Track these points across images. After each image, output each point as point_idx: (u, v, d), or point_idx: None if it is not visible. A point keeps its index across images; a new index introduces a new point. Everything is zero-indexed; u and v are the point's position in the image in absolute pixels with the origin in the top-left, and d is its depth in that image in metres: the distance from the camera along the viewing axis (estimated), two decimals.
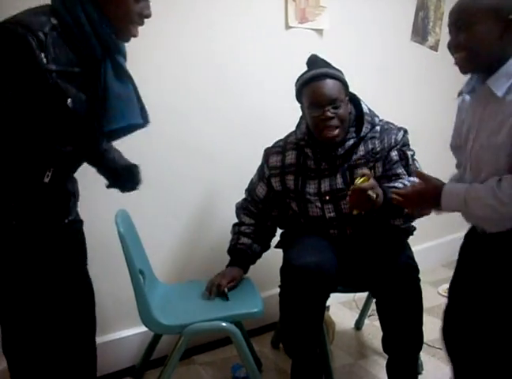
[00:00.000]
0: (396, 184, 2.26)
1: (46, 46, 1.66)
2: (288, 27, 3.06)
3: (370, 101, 2.55)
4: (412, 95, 3.64)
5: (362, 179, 2.07)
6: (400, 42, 3.60)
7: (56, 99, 1.71)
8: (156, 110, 2.11)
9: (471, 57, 1.72)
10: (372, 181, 2.07)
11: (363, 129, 2.41)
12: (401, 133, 2.43)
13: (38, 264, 1.80)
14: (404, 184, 2.24)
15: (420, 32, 3.68)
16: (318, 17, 3.15)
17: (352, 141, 2.40)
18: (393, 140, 2.40)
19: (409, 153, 2.41)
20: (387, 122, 2.48)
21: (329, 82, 2.34)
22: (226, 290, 2.39)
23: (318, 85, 2.35)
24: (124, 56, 1.91)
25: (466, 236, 1.98)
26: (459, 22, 1.71)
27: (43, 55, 1.64)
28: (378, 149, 2.40)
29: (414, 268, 2.29)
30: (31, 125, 1.70)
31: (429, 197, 1.79)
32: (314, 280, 2.22)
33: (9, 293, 1.81)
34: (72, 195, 1.95)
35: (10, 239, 1.76)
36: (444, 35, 3.68)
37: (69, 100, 1.74)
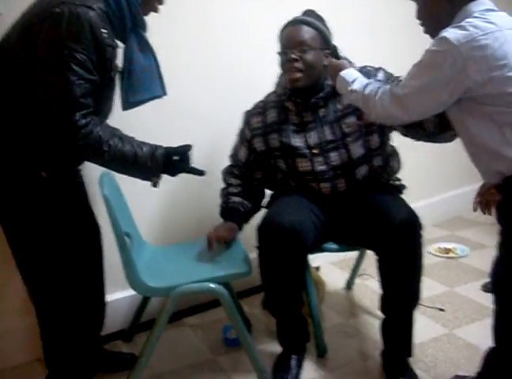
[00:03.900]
0: None
1: (103, 22, 1.83)
2: None
3: (361, 58, 2.49)
4: (404, 49, 3.55)
5: None
6: None
7: (105, 70, 1.88)
8: None
9: (429, 25, 1.93)
10: None
11: None
12: (381, 71, 2.44)
13: (62, 206, 1.97)
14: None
15: None
16: None
17: (331, 86, 2.38)
18: None
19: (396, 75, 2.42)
20: (364, 66, 2.46)
21: (303, 28, 2.36)
22: (219, 240, 2.37)
23: (289, 29, 2.39)
24: (145, 30, 2.09)
25: None
26: None
27: (104, 31, 1.83)
28: None
29: (418, 224, 2.25)
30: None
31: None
32: (288, 239, 2.20)
33: (35, 238, 1.95)
34: None
35: (39, 190, 1.91)
36: None
37: (112, 72, 1.94)
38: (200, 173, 2.13)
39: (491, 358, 2.00)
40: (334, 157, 2.40)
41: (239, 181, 2.59)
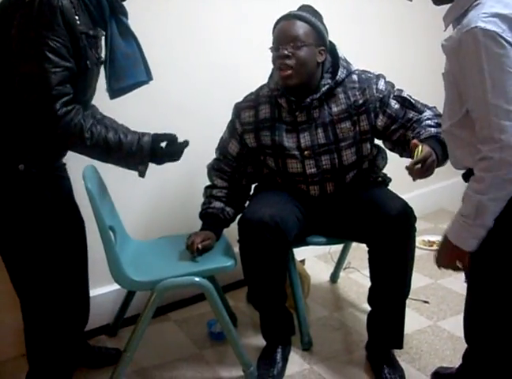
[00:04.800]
0: (422, 127, 2.21)
1: (77, 9, 1.82)
2: None
3: (347, 54, 2.48)
4: (386, 44, 3.57)
5: (419, 151, 1.93)
6: None
7: (80, 59, 1.85)
8: None
9: None
10: (425, 149, 1.92)
11: (339, 73, 2.35)
12: (382, 80, 2.39)
13: (41, 201, 1.93)
14: (429, 122, 2.22)
15: None
16: None
17: (327, 87, 2.34)
18: (374, 91, 2.35)
19: (405, 94, 2.37)
20: (363, 71, 2.42)
21: (297, 23, 2.29)
22: (200, 246, 2.32)
23: (282, 24, 2.32)
24: (126, 16, 2.06)
25: None
26: None
27: (77, 18, 1.81)
28: (361, 102, 2.34)
29: (413, 216, 2.26)
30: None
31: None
32: (269, 232, 2.19)
33: (17, 234, 1.93)
34: None
35: (16, 184, 1.87)
36: None
37: (88, 61, 1.90)
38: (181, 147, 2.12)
39: (466, 360, 2.00)
40: (325, 161, 2.37)
41: (225, 182, 2.52)
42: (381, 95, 2.35)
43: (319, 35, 2.33)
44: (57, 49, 1.75)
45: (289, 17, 2.31)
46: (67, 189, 2.15)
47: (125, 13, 2.05)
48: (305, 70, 2.29)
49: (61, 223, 2.00)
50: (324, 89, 2.34)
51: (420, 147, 1.94)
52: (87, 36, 1.88)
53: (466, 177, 1.79)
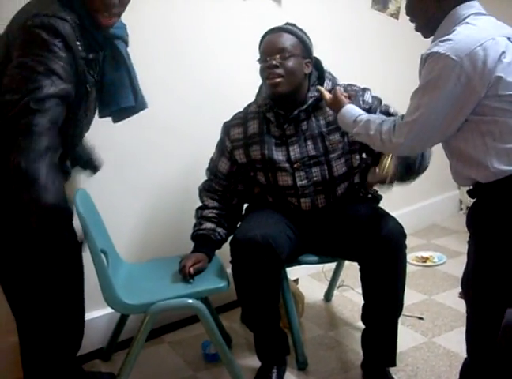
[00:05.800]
0: None
1: (78, 34, 1.81)
2: None
3: (332, 70, 2.51)
4: (373, 63, 3.61)
5: (386, 164, 2.11)
6: (360, 10, 3.55)
7: (81, 84, 1.86)
8: None
9: (417, 22, 1.86)
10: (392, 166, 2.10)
11: (324, 85, 2.38)
12: (368, 92, 2.43)
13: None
14: None
15: (381, 0, 3.63)
16: None
17: (313, 99, 2.37)
18: (361, 102, 2.37)
19: (391, 110, 2.40)
20: (349, 84, 2.45)
21: (284, 35, 2.34)
22: (191, 270, 2.31)
23: (269, 37, 2.37)
24: (124, 40, 2.07)
25: None
26: None
27: (78, 43, 1.81)
28: None
29: (403, 234, 2.26)
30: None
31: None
32: (261, 252, 2.18)
33: (17, 254, 1.89)
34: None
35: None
36: (404, 2, 3.65)
37: (88, 85, 1.91)
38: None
39: (465, 371, 2.00)
40: (316, 172, 2.38)
41: (215, 202, 2.51)
42: (367, 107, 2.36)
43: (305, 48, 2.37)
44: (53, 69, 1.71)
45: (276, 30, 2.36)
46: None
47: (121, 37, 2.05)
48: (294, 79, 2.32)
49: (63, 247, 1.97)
50: (311, 101, 2.37)
51: (389, 159, 2.07)
52: (86, 60, 1.87)
53: (472, 193, 1.81)
